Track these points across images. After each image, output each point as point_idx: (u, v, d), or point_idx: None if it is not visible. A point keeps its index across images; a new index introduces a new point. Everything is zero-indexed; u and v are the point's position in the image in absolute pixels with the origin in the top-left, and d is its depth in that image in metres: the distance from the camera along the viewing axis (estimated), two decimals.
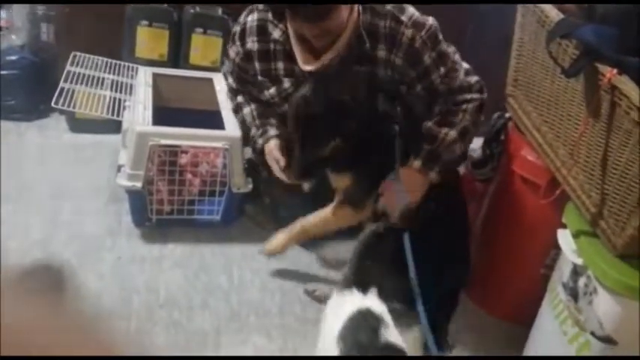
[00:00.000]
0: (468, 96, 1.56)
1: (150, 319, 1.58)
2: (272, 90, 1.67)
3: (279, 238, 1.74)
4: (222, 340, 1.56)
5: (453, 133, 1.53)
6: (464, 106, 1.55)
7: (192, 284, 1.73)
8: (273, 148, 1.67)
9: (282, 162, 1.61)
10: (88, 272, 1.69)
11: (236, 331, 1.59)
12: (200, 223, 1.96)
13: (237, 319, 1.64)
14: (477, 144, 1.99)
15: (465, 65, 1.61)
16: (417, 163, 1.53)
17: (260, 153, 1.75)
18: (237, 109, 1.86)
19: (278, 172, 1.65)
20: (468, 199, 2.02)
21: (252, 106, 1.80)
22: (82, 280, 1.66)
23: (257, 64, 1.66)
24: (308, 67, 1.52)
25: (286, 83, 1.64)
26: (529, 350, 1.55)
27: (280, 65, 1.64)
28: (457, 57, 1.58)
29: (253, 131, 1.77)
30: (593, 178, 1.32)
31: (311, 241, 1.84)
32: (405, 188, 1.49)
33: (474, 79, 1.59)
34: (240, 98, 1.84)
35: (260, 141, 1.73)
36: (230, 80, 1.87)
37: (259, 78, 1.68)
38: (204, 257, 1.85)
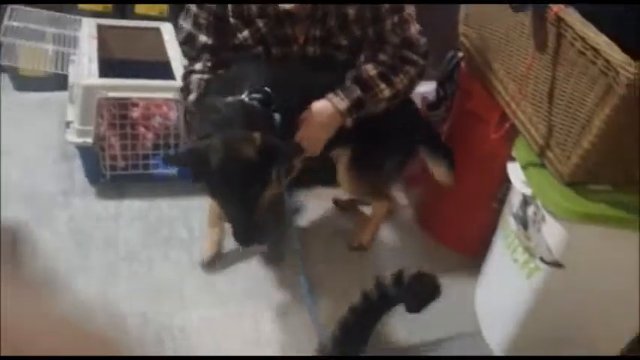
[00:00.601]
0: (414, 57, 1.50)
1: (111, 273, 1.57)
2: (245, 32, 1.59)
3: None
4: (184, 289, 1.57)
5: (387, 92, 1.47)
6: (407, 68, 1.49)
7: (152, 238, 1.72)
8: None
9: None
10: (44, 232, 1.66)
11: (199, 279, 1.60)
12: (157, 178, 1.93)
13: (199, 269, 1.64)
14: (431, 87, 2.01)
15: (417, 25, 1.58)
16: (342, 104, 1.43)
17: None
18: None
19: None
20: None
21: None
22: (38, 239, 1.62)
23: (230, 6, 1.58)
24: (287, 6, 1.46)
25: (259, 23, 1.56)
26: (482, 279, 1.62)
27: (253, 6, 1.56)
28: (412, 11, 1.55)
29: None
30: (540, 110, 1.36)
31: None
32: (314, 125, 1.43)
33: (422, 39, 1.55)
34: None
35: None
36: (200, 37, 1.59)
37: (231, 20, 1.58)
38: (163, 211, 1.84)
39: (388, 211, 1.85)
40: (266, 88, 1.37)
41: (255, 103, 1.35)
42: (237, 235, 1.32)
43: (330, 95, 1.43)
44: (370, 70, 1.47)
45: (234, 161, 1.24)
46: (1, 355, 0.32)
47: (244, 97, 1.36)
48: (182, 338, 1.41)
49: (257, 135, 1.25)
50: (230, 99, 1.36)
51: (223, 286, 1.60)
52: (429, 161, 1.72)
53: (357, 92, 1.43)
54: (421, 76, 1.54)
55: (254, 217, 1.29)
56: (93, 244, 1.66)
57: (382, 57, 1.50)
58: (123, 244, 1.68)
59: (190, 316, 1.48)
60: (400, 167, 1.73)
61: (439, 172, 1.71)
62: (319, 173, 1.84)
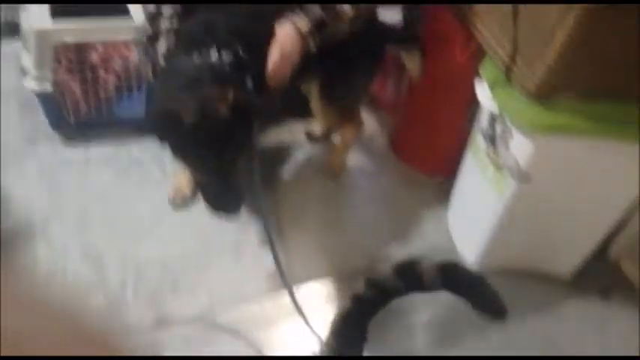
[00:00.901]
0: None
1: (85, 216, 1.56)
2: None
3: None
4: (162, 225, 1.58)
5: (349, 12, 1.39)
6: None
7: (124, 180, 1.71)
8: None
9: None
10: (14, 182, 1.63)
11: (175, 216, 1.61)
12: (123, 121, 1.89)
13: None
14: (396, 11, 1.99)
15: None
16: (304, 24, 1.33)
17: None
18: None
19: None
20: (393, 65, 2.05)
21: None
22: (9, 190, 1.60)
23: None
24: None
25: None
26: (455, 199, 1.67)
27: None
28: None
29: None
30: (505, 27, 1.36)
31: None
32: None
33: None
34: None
35: None
36: None
37: None
38: (133, 153, 1.81)
39: (357, 134, 1.85)
40: (238, 48, 1.29)
41: (225, 65, 1.28)
42: (210, 203, 1.27)
43: (291, 15, 1.35)
44: (348, 12, 1.39)
45: (208, 121, 1.18)
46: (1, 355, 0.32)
47: (213, 58, 1.28)
48: (164, 274, 1.43)
49: (229, 91, 1.19)
50: (198, 60, 1.27)
51: (201, 222, 1.61)
52: (401, 56, 1.73)
53: (319, 12, 1.35)
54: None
55: (229, 183, 1.24)
56: (65, 190, 1.64)
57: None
58: (95, 189, 1.66)
59: (171, 253, 1.49)
60: (367, 88, 1.75)
61: (410, 61, 1.72)
62: (292, 108, 1.83)
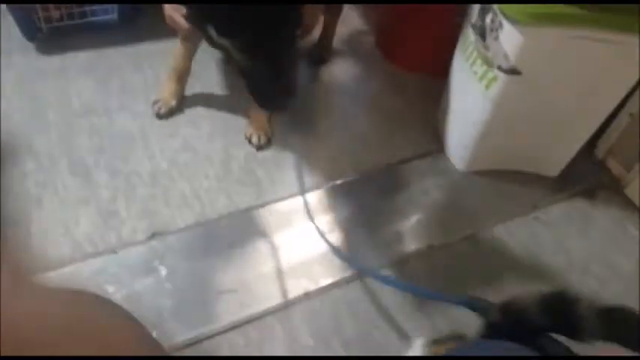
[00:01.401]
0: None
1: (70, 129, 1.54)
2: None
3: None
4: (149, 137, 1.55)
5: None
6: None
7: (105, 89, 1.66)
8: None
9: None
10: None
11: (161, 127, 1.59)
12: (98, 26, 1.80)
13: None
14: None
15: None
16: None
17: None
18: None
19: (180, 23, 1.36)
20: None
21: None
22: None
23: None
24: None
25: None
26: (445, 98, 1.64)
27: None
28: None
29: None
30: None
31: None
32: None
33: None
34: None
35: None
36: None
37: None
38: (112, 60, 1.75)
39: (341, 13, 1.80)
40: None
41: None
42: (259, 94, 1.13)
43: None
44: None
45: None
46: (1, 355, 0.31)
47: None
48: (154, 186, 1.43)
49: None
50: None
51: (188, 130, 1.59)
52: None
53: None
54: None
55: (285, 69, 1.10)
56: (45, 101, 1.60)
57: None
58: (76, 98, 1.62)
59: (159, 163, 1.49)
60: None
61: None
62: None
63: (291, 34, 1.10)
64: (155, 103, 1.61)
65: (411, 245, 1.40)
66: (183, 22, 1.39)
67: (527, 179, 1.59)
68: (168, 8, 1.41)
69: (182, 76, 1.62)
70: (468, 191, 1.56)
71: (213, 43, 1.30)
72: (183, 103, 1.65)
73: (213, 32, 1.17)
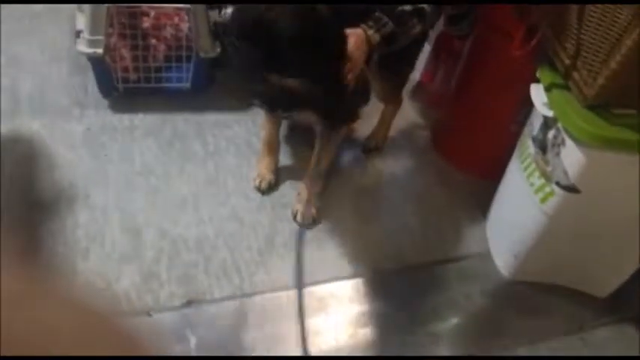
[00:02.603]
0: None
1: (127, 186, 1.59)
2: None
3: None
4: (200, 203, 1.59)
5: (418, 28, 1.41)
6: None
7: (167, 152, 1.73)
8: None
9: None
10: (59, 144, 1.67)
11: (214, 195, 1.62)
12: (170, 91, 1.90)
13: (214, 184, 1.66)
14: None
15: None
16: (375, 37, 1.35)
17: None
18: None
19: None
20: (445, 57, 1.99)
21: None
22: (54, 151, 1.64)
23: None
24: None
25: None
26: (496, 203, 1.62)
27: None
28: None
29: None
30: (569, 28, 1.29)
31: None
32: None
33: None
34: None
35: None
36: None
37: None
38: (177, 125, 1.83)
39: (397, 111, 1.86)
40: None
41: None
42: (334, 118, 1.30)
43: (364, 26, 1.35)
44: (406, 4, 1.39)
45: (310, 23, 1.15)
46: (1, 355, 0.31)
47: None
48: (198, 253, 1.45)
49: (321, 5, 1.18)
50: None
51: (239, 200, 1.62)
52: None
53: (391, 26, 1.36)
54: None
55: (342, 90, 1.24)
56: (109, 157, 1.67)
57: None
58: (138, 158, 1.69)
59: (206, 229, 1.51)
60: (411, 69, 1.77)
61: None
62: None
63: (340, 57, 1.24)
64: (255, 178, 1.67)
65: (445, 351, 1.35)
66: None
67: (575, 297, 1.53)
68: None
69: (273, 148, 1.69)
70: (512, 301, 1.51)
71: (276, 104, 1.40)
72: (279, 176, 1.70)
73: (276, 78, 1.26)
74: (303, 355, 1.28)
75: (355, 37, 1.32)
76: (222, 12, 1.46)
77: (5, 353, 0.29)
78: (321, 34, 1.18)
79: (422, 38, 1.63)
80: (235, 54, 1.31)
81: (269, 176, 1.67)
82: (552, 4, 1.36)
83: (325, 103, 1.31)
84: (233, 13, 1.25)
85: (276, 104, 1.48)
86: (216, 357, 1.15)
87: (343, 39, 1.25)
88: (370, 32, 1.34)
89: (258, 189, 1.65)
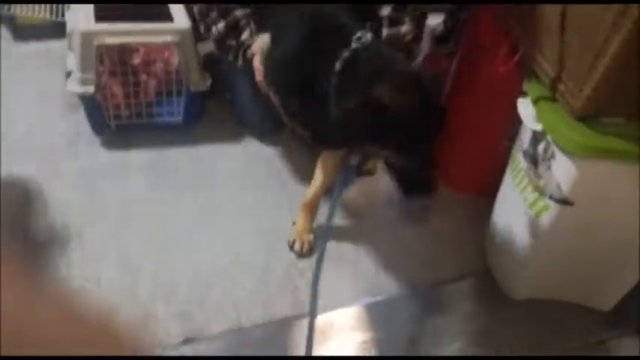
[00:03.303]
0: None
1: (121, 224, 1.58)
2: None
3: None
4: (195, 238, 1.58)
5: (418, 53, 1.48)
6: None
7: (161, 187, 1.72)
8: None
9: None
10: (53, 184, 1.67)
11: (209, 229, 1.61)
12: (162, 126, 1.90)
13: (210, 218, 1.64)
14: (438, 19, 1.93)
15: None
16: None
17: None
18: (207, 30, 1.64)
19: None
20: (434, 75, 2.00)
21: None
22: (48, 192, 1.64)
23: None
24: None
25: None
26: (493, 220, 1.60)
27: None
28: None
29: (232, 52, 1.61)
30: (552, 41, 1.29)
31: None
32: None
33: None
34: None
35: (248, 54, 1.55)
36: None
37: None
38: (171, 160, 1.82)
39: None
40: (370, 23, 1.25)
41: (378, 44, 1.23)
42: (426, 187, 1.27)
43: None
44: (409, 33, 1.41)
45: (420, 102, 1.14)
46: (2, 355, 0.31)
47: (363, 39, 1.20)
48: (194, 289, 1.43)
49: (417, 69, 1.22)
50: (355, 45, 1.18)
51: (233, 234, 1.61)
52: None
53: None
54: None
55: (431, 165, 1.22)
56: (102, 195, 1.67)
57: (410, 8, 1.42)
58: (132, 195, 1.68)
59: (201, 265, 1.50)
60: None
61: None
62: None
63: (436, 137, 1.21)
64: (295, 242, 1.56)
65: None
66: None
67: (578, 311, 1.50)
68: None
69: (315, 206, 1.58)
70: (515, 320, 1.48)
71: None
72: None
73: (373, 148, 1.23)
74: None
75: None
76: (214, 29, 1.50)
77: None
78: (431, 108, 1.16)
79: None
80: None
81: (309, 236, 1.57)
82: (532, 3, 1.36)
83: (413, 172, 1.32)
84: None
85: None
86: (218, 357, 1.12)
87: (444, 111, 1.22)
88: None
89: (300, 254, 1.55)
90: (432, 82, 1.15)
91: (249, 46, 1.56)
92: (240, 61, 1.60)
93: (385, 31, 1.41)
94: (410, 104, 1.11)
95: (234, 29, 1.58)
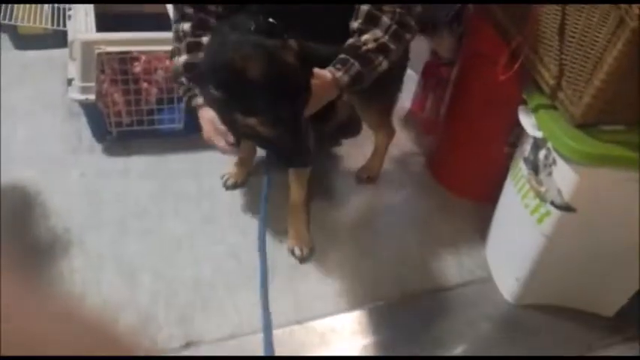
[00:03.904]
0: (412, 22, 1.42)
1: (122, 230, 1.58)
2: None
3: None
4: (196, 242, 1.58)
5: (385, 65, 1.40)
6: (405, 36, 1.42)
7: (162, 193, 1.72)
8: (214, 119, 1.43)
9: (230, 138, 1.44)
10: (54, 191, 1.67)
11: (209, 233, 1.61)
12: (163, 133, 1.91)
13: (210, 222, 1.65)
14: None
15: None
16: (344, 79, 1.35)
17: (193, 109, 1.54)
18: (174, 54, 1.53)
19: (222, 146, 1.46)
20: (433, 84, 2.02)
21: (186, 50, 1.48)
22: (49, 198, 1.64)
23: None
24: None
25: None
26: (495, 226, 1.61)
27: None
28: None
29: (184, 80, 1.50)
30: (551, 49, 1.31)
31: None
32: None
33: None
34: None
35: (197, 100, 1.49)
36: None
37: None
38: (171, 166, 1.83)
39: (389, 140, 1.85)
40: (270, 20, 1.26)
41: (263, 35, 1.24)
42: (282, 157, 1.33)
43: (332, 69, 1.36)
44: (370, 42, 1.39)
45: (278, 69, 1.17)
46: (2, 355, 0.31)
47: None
48: (195, 292, 1.43)
49: (292, 41, 1.20)
50: (235, 36, 1.23)
51: (235, 238, 1.61)
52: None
53: (357, 68, 1.37)
54: (412, 39, 1.50)
55: (300, 135, 1.27)
56: (104, 201, 1.67)
57: (385, 20, 1.40)
58: (133, 200, 1.68)
59: (202, 269, 1.50)
60: (396, 95, 1.77)
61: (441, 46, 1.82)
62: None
63: (302, 107, 1.26)
64: (225, 175, 1.79)
65: None
66: (223, 146, 1.47)
67: (581, 317, 1.51)
68: (208, 132, 1.48)
69: (245, 159, 1.78)
70: (517, 326, 1.48)
71: (238, 132, 1.41)
72: (247, 181, 1.80)
73: (239, 117, 1.27)
74: None
75: (323, 80, 1.33)
76: (175, 59, 1.48)
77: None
78: (287, 80, 1.19)
79: (401, 65, 1.65)
80: (206, 95, 1.35)
81: (237, 178, 1.78)
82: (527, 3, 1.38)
83: (282, 143, 1.33)
84: (204, 55, 1.32)
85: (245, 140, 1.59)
86: (218, 357, 1.12)
87: (307, 83, 1.26)
88: (338, 75, 1.35)
89: (224, 184, 1.77)
90: (301, 52, 1.19)
91: (194, 95, 1.49)
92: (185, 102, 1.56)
93: (349, 41, 1.40)
94: (256, 70, 1.15)
95: (191, 70, 1.46)
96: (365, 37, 1.38)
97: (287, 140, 1.27)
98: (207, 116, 1.46)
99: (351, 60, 1.37)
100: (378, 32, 1.38)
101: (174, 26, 1.51)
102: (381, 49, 1.39)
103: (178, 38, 1.48)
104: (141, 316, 1.35)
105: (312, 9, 1.40)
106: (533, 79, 1.38)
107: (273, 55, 1.18)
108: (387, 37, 1.38)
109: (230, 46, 1.21)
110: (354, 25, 1.40)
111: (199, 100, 1.48)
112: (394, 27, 1.39)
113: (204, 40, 1.43)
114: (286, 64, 1.19)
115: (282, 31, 1.24)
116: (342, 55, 1.37)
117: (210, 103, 1.37)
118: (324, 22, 1.40)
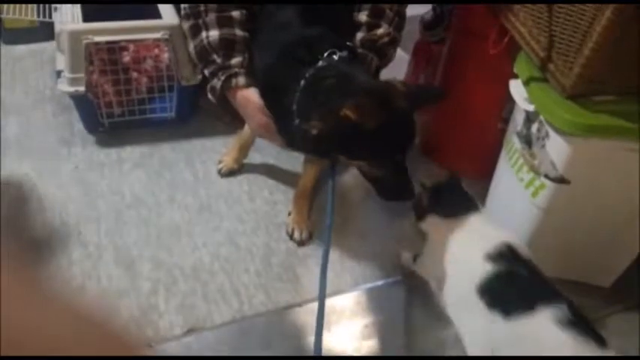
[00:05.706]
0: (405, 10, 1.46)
1: (119, 220, 1.58)
2: None
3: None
4: (194, 230, 1.58)
5: (394, 57, 1.44)
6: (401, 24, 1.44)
7: (157, 182, 1.72)
8: (257, 105, 1.37)
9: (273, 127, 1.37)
10: (48, 184, 1.67)
11: (207, 221, 1.62)
12: (155, 122, 1.91)
13: (207, 210, 1.65)
14: (427, 6, 1.94)
15: None
16: None
17: (222, 97, 1.44)
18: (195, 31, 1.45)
19: (278, 144, 1.45)
20: (424, 64, 2.01)
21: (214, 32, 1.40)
22: (44, 192, 1.64)
23: None
24: None
25: None
26: (490, 201, 1.62)
27: None
28: None
29: (216, 58, 1.41)
30: (540, 21, 1.30)
31: None
32: None
33: None
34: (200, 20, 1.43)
35: (238, 80, 1.39)
36: None
37: None
38: (165, 155, 1.83)
39: None
40: (348, 43, 1.27)
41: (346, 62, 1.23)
42: (390, 194, 1.26)
43: None
44: (384, 36, 1.40)
45: (394, 117, 1.13)
46: (2, 354, 0.31)
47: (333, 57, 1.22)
48: (194, 277, 1.44)
49: (398, 82, 1.18)
50: (322, 64, 1.20)
51: (233, 224, 1.61)
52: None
53: (376, 62, 1.38)
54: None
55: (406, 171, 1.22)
56: (99, 192, 1.67)
57: (388, 12, 1.42)
58: (128, 191, 1.68)
59: (201, 256, 1.50)
60: None
61: None
62: None
63: (407, 148, 1.21)
64: (221, 162, 1.77)
65: (452, 352, 1.34)
66: (280, 143, 1.44)
67: (578, 289, 1.50)
68: (259, 123, 1.42)
69: (245, 147, 1.77)
70: None
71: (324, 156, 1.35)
72: (242, 168, 1.80)
73: (343, 158, 1.23)
74: None
75: None
76: (201, 36, 1.42)
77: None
78: (403, 126, 1.18)
79: None
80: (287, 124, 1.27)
81: (234, 165, 1.77)
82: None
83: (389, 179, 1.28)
84: (285, 79, 1.25)
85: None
86: (212, 357, 1.13)
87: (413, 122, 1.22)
88: None
89: (219, 172, 1.77)
90: (409, 93, 1.14)
91: (235, 74, 1.40)
92: (218, 86, 1.41)
93: (360, 35, 1.40)
94: (373, 120, 1.10)
95: (228, 47, 1.40)
96: (380, 31, 1.39)
97: (391, 178, 1.23)
98: (254, 100, 1.38)
99: (370, 55, 1.38)
100: (386, 25, 1.39)
101: (183, 6, 1.47)
102: (393, 42, 1.41)
103: (194, 15, 1.42)
104: (142, 305, 1.36)
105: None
106: (523, 52, 1.38)
107: (389, 103, 1.13)
108: (393, 30, 1.40)
109: (337, 93, 1.14)
110: (362, 18, 1.40)
111: (240, 79, 1.38)
112: (396, 19, 1.40)
113: (235, 14, 1.39)
114: (401, 110, 1.15)
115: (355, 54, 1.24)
116: (361, 50, 1.37)
117: (293, 129, 1.25)
118: (329, 14, 1.40)
